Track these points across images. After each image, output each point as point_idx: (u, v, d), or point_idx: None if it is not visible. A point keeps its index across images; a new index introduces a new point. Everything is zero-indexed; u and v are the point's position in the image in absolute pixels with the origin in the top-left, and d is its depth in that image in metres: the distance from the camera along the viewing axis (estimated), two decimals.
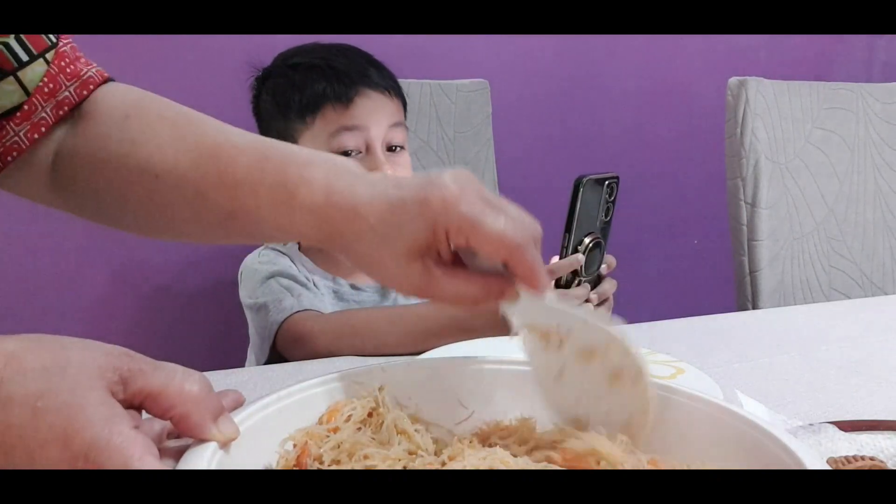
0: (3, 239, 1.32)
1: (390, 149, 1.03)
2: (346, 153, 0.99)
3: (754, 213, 1.29)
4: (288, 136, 1.02)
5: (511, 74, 1.64)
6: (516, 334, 0.46)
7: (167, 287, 1.45)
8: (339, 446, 0.40)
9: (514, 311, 0.45)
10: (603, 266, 0.85)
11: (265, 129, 1.07)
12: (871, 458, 0.45)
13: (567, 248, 0.79)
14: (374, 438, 0.42)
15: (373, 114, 1.01)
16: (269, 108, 1.06)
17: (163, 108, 0.55)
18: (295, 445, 0.40)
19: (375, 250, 0.46)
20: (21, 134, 0.55)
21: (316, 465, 0.38)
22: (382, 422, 0.42)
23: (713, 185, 1.59)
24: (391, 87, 1.05)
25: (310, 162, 0.48)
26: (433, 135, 1.22)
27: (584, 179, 0.78)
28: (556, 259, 0.82)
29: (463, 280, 0.46)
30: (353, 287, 1.06)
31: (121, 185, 0.54)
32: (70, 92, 0.56)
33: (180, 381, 0.35)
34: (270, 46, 1.10)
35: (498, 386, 0.48)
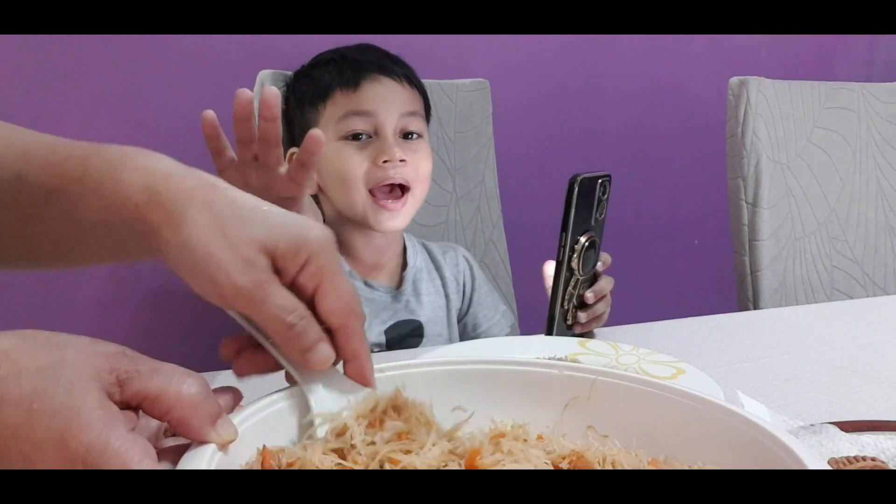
0: None
1: (407, 136, 1.01)
2: (356, 136, 0.98)
3: (755, 213, 1.29)
4: (305, 128, 1.02)
5: (511, 74, 1.64)
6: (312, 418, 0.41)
7: (166, 286, 1.45)
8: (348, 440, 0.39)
9: (319, 395, 0.42)
10: (599, 264, 0.85)
11: (289, 127, 1.06)
12: (873, 459, 0.45)
13: (564, 247, 0.79)
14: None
15: (383, 99, 0.99)
16: (292, 105, 1.06)
17: None
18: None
19: (221, 223, 0.40)
20: None
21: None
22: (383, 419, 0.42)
23: (714, 184, 1.59)
24: (406, 76, 1.03)
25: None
26: (433, 135, 1.22)
27: (579, 178, 0.78)
28: (551, 263, 0.82)
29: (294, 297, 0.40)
30: (367, 284, 1.05)
31: None
32: None
33: (178, 384, 0.35)
34: (273, 45, 1.10)
35: (499, 387, 0.47)
